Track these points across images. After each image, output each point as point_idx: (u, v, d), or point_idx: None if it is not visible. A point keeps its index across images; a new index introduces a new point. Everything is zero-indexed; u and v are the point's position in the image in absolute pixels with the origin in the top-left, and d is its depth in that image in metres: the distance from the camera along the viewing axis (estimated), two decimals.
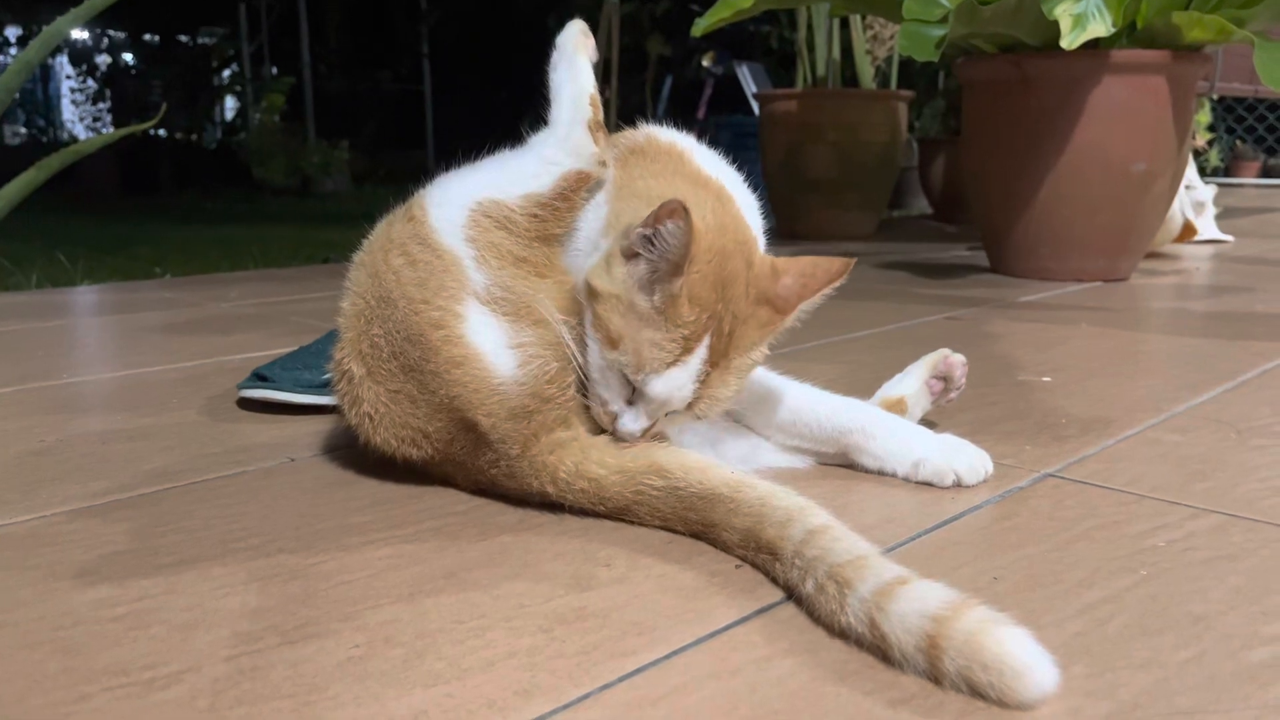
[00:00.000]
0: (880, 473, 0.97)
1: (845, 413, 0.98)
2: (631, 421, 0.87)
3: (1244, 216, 4.35)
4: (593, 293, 0.85)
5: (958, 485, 0.94)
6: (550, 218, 0.92)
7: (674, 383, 0.85)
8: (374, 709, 0.59)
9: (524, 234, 0.91)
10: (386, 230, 0.96)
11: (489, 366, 0.86)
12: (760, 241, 0.92)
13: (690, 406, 0.87)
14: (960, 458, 0.95)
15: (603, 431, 0.90)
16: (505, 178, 0.93)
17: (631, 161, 0.95)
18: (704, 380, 0.86)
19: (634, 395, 0.87)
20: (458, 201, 0.92)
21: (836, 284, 0.89)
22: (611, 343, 0.85)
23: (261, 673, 0.63)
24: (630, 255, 0.84)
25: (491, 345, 0.87)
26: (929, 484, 0.94)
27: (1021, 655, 0.58)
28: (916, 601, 0.63)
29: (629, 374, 0.85)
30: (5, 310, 2.18)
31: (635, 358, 0.84)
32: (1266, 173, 7.28)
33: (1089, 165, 2.28)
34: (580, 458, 0.87)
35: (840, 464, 0.99)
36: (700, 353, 0.85)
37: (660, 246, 0.82)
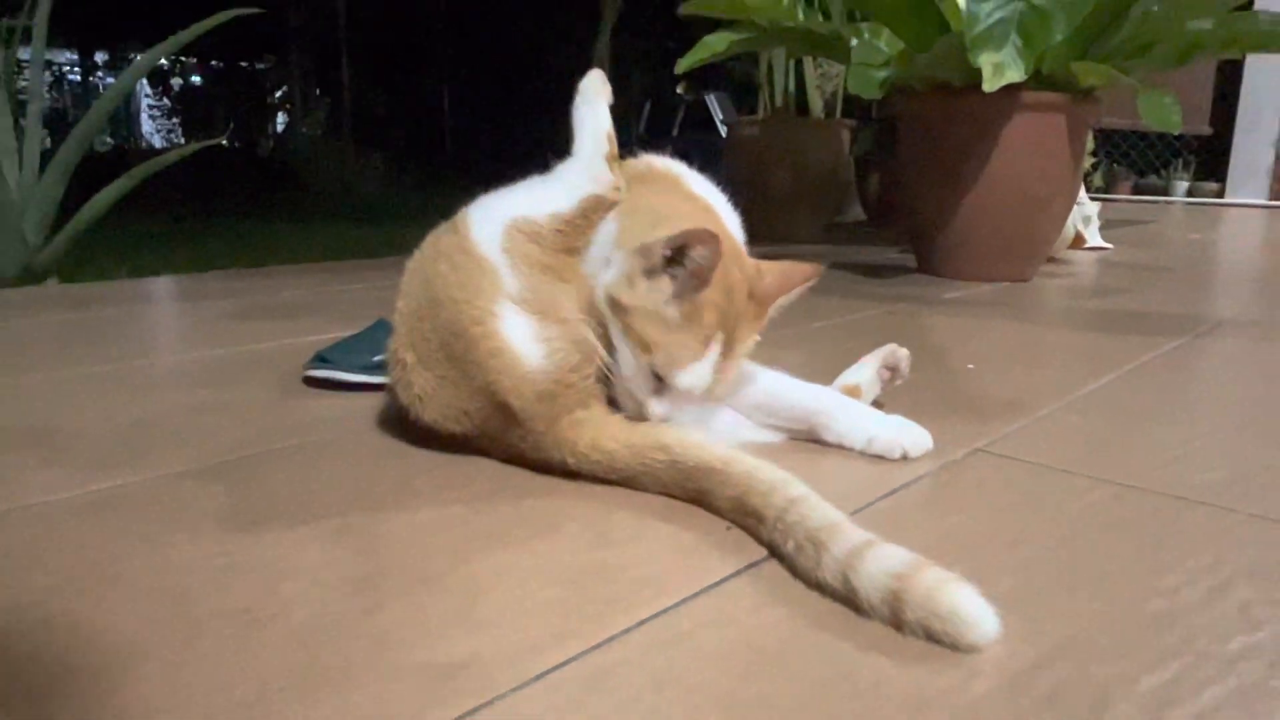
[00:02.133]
0: (840, 446, 0.97)
1: (812, 397, 0.98)
2: (663, 408, 0.88)
3: (1120, 228, 4.37)
4: (618, 306, 0.85)
5: (904, 458, 0.94)
6: (572, 233, 0.91)
7: (699, 375, 0.86)
8: (436, 650, 0.59)
9: (550, 246, 0.91)
10: (435, 242, 0.95)
11: (520, 357, 0.86)
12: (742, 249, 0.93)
13: (706, 394, 0.88)
14: (906, 434, 0.95)
15: (616, 412, 0.90)
16: (536, 199, 0.93)
17: (635, 185, 0.95)
18: (718, 371, 0.87)
19: (661, 387, 0.87)
20: (495, 218, 0.92)
21: (809, 283, 0.90)
22: (645, 349, 0.85)
23: (338, 617, 0.63)
24: (652, 273, 0.84)
25: (522, 339, 0.86)
26: (881, 457, 0.95)
27: (971, 608, 0.59)
28: (883, 561, 0.63)
29: (662, 373, 0.85)
30: (100, 297, 2.14)
31: (668, 359, 0.84)
32: (1137, 190, 7.35)
33: (1002, 186, 2.28)
34: (596, 433, 0.86)
35: (807, 439, 0.99)
36: (716, 347, 0.86)
37: (688, 266, 0.82)
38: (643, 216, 0.89)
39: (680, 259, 0.83)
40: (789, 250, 2.90)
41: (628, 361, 0.87)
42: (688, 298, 0.84)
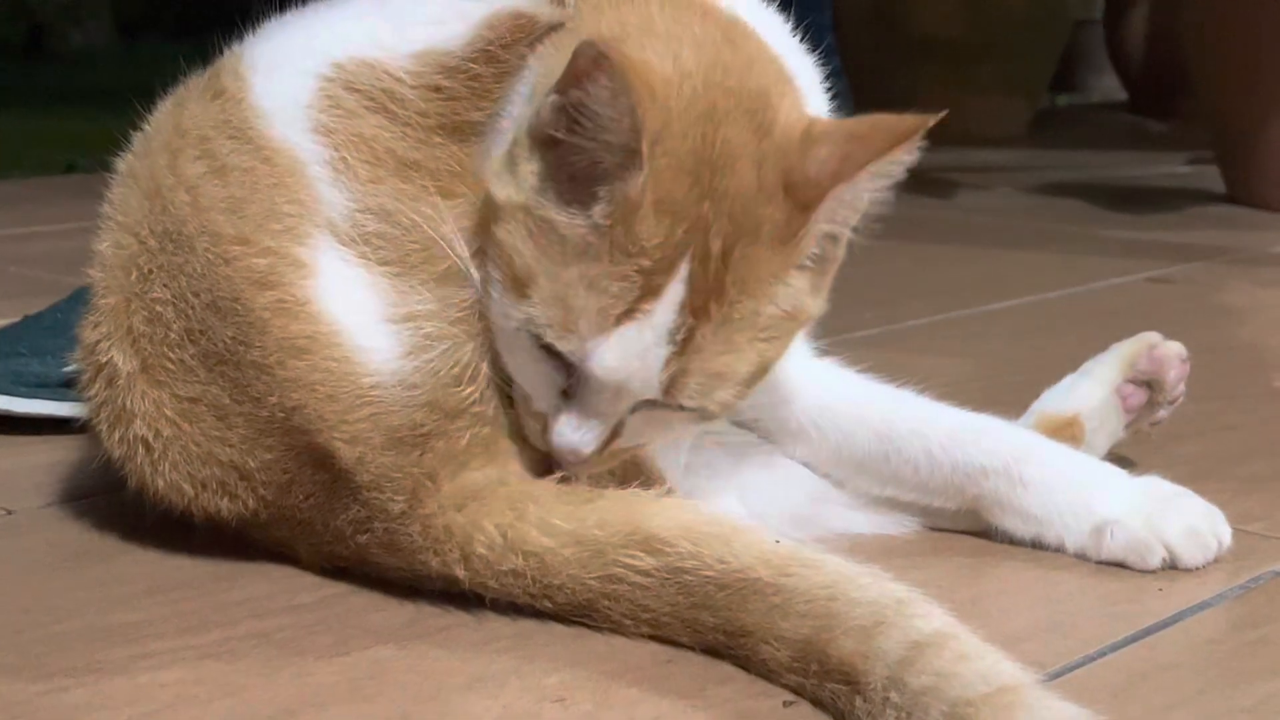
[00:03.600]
0: (1035, 543, 0.97)
1: (978, 441, 0.98)
2: (571, 429, 0.86)
3: None
4: (493, 209, 0.86)
5: (1169, 566, 0.94)
6: (465, 93, 0.92)
7: (631, 348, 0.83)
8: None
9: (418, 121, 0.91)
10: (176, 115, 0.96)
11: (354, 354, 0.87)
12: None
13: (670, 393, 0.85)
14: (1175, 520, 0.95)
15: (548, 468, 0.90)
16: (388, 24, 0.94)
17: (607, 6, 0.95)
18: (687, 342, 0.84)
19: (572, 382, 0.86)
20: (301, 64, 0.93)
21: (901, 153, 0.85)
22: (519, 286, 0.84)
23: None
24: (544, 140, 0.84)
25: (359, 317, 0.87)
26: (1120, 564, 0.95)
27: None
28: None
29: (552, 340, 0.83)
30: None
31: (559, 310, 0.83)
32: None
33: None
34: (511, 517, 0.87)
35: (967, 528, 1.00)
36: (674, 293, 0.83)
37: (585, 121, 0.81)
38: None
39: (579, 110, 0.82)
40: (958, 160, 2.90)
41: (501, 322, 0.87)
42: (600, 189, 0.83)
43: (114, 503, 1.01)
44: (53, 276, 1.89)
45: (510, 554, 0.86)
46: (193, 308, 0.89)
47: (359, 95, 0.91)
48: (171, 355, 0.91)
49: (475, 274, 0.88)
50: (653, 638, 0.85)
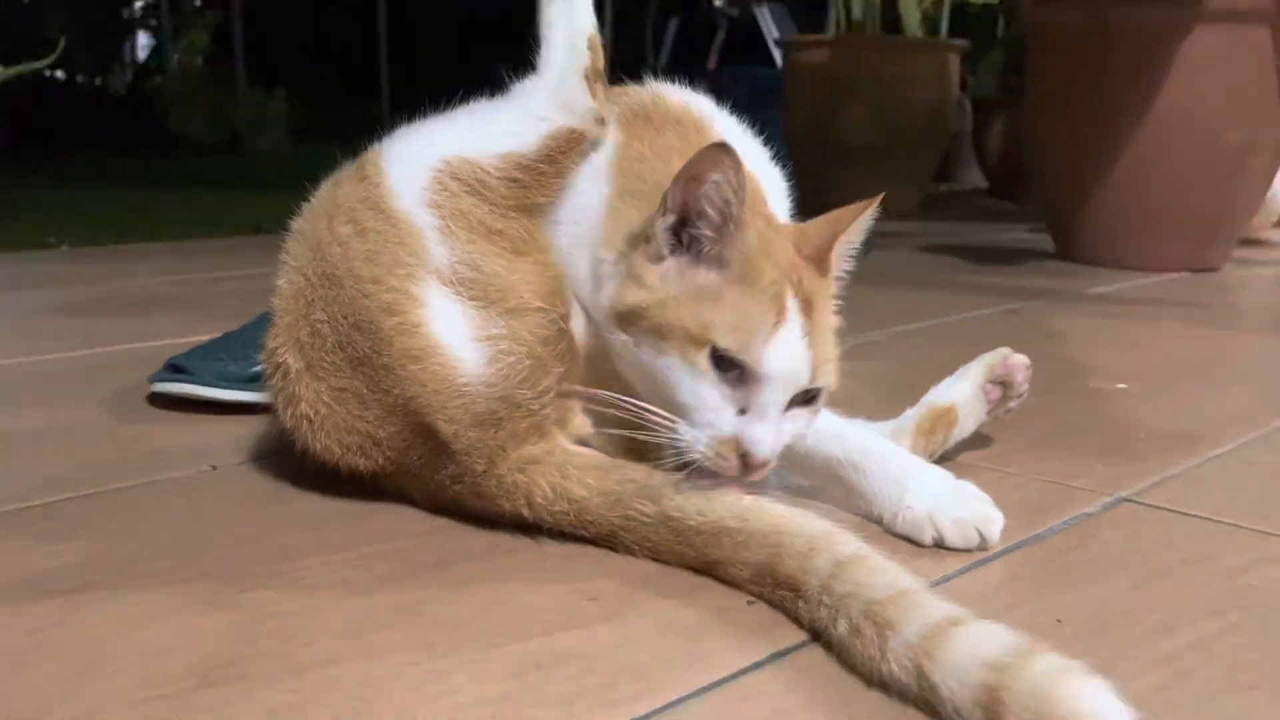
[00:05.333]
0: (867, 517, 0.94)
1: (840, 442, 0.96)
2: (763, 432, 0.84)
3: None
4: (636, 313, 0.86)
5: (937, 545, 0.90)
6: (533, 184, 0.93)
7: (788, 348, 0.84)
8: None
9: (500, 202, 0.92)
10: (332, 193, 0.97)
11: (452, 362, 0.87)
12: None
13: (814, 377, 0.86)
14: (950, 513, 0.90)
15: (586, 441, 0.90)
16: (481, 133, 0.94)
17: (636, 129, 0.97)
18: (810, 339, 0.85)
19: (746, 395, 0.84)
20: (421, 159, 0.93)
21: (867, 216, 0.92)
22: (696, 341, 0.83)
23: None
24: (659, 257, 0.86)
25: (456, 337, 0.87)
26: (907, 539, 0.91)
27: (1101, 712, 0.59)
28: (974, 646, 0.63)
29: (737, 354, 0.83)
30: None
31: (738, 333, 0.83)
32: None
33: (1176, 133, 2.29)
34: (559, 477, 0.88)
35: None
36: (794, 307, 0.85)
37: (705, 205, 0.84)
38: (645, 201, 0.91)
39: (690, 216, 0.85)
40: (873, 226, 2.90)
41: (683, 385, 0.84)
42: (725, 250, 0.85)
43: (284, 461, 1.01)
44: (244, 305, 1.89)
45: (560, 500, 0.87)
46: (341, 326, 0.90)
47: (460, 182, 0.91)
48: (327, 358, 0.91)
49: (546, 316, 0.90)
50: (654, 559, 0.85)
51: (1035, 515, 0.95)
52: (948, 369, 1.12)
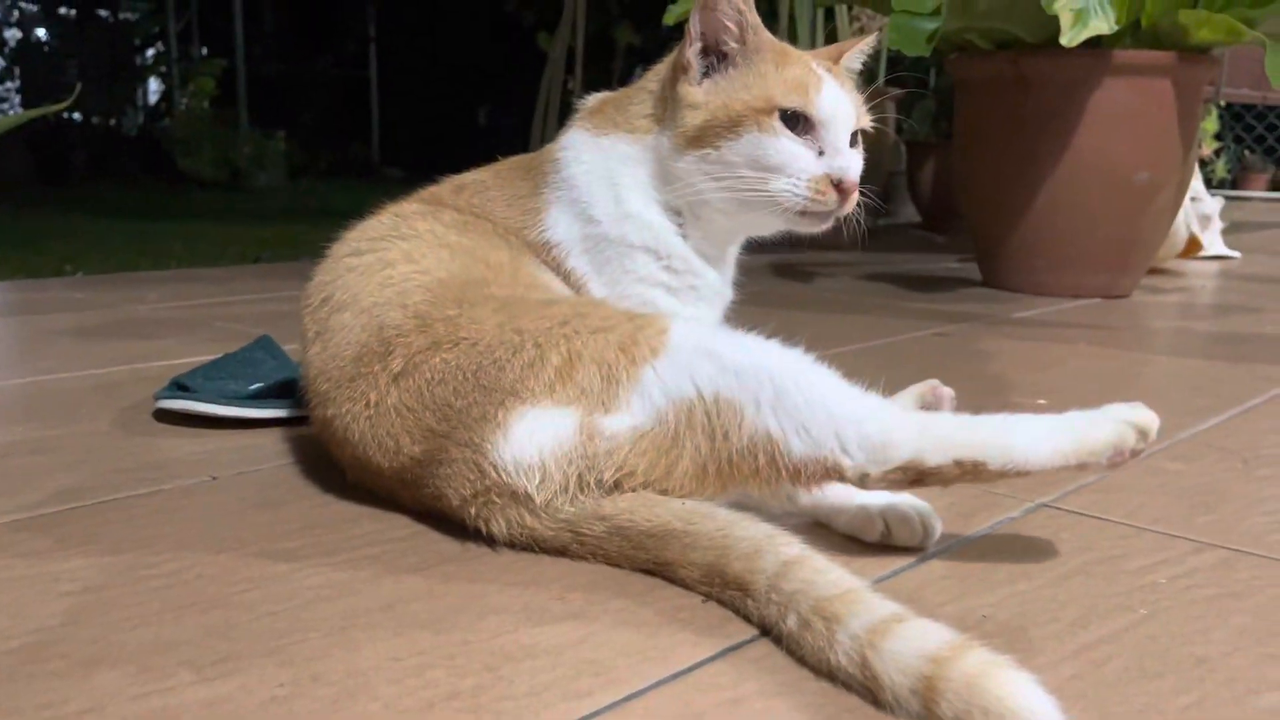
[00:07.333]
0: (826, 520, 0.92)
1: None
2: (845, 160, 1.00)
3: (1252, 232, 4.43)
4: (705, 128, 1.00)
5: (885, 540, 0.88)
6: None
7: (836, 94, 1.00)
8: None
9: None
10: (394, 224, 1.06)
11: None
12: None
13: (859, 119, 1.03)
14: (895, 510, 0.89)
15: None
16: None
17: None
18: (845, 91, 1.03)
19: (817, 141, 1.00)
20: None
21: (867, 44, 1.12)
22: (764, 111, 0.99)
23: (172, 714, 0.62)
24: (699, 79, 1.02)
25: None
26: (854, 536, 0.90)
27: (1026, 701, 0.59)
28: (914, 640, 0.63)
29: (802, 108, 0.99)
30: None
31: (795, 93, 0.99)
32: (1276, 185, 7.41)
33: (1089, 173, 2.31)
34: (518, 514, 0.85)
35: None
36: (821, 68, 1.02)
37: (729, 24, 1.00)
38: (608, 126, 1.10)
39: (712, 36, 1.00)
40: (813, 259, 2.93)
41: (768, 149, 0.98)
42: (752, 52, 1.00)
43: (280, 471, 1.00)
44: (243, 329, 1.88)
45: (519, 529, 0.85)
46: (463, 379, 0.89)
47: None
48: (423, 388, 0.90)
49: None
50: (608, 564, 0.84)
51: (963, 520, 0.95)
52: (887, 391, 1.12)
